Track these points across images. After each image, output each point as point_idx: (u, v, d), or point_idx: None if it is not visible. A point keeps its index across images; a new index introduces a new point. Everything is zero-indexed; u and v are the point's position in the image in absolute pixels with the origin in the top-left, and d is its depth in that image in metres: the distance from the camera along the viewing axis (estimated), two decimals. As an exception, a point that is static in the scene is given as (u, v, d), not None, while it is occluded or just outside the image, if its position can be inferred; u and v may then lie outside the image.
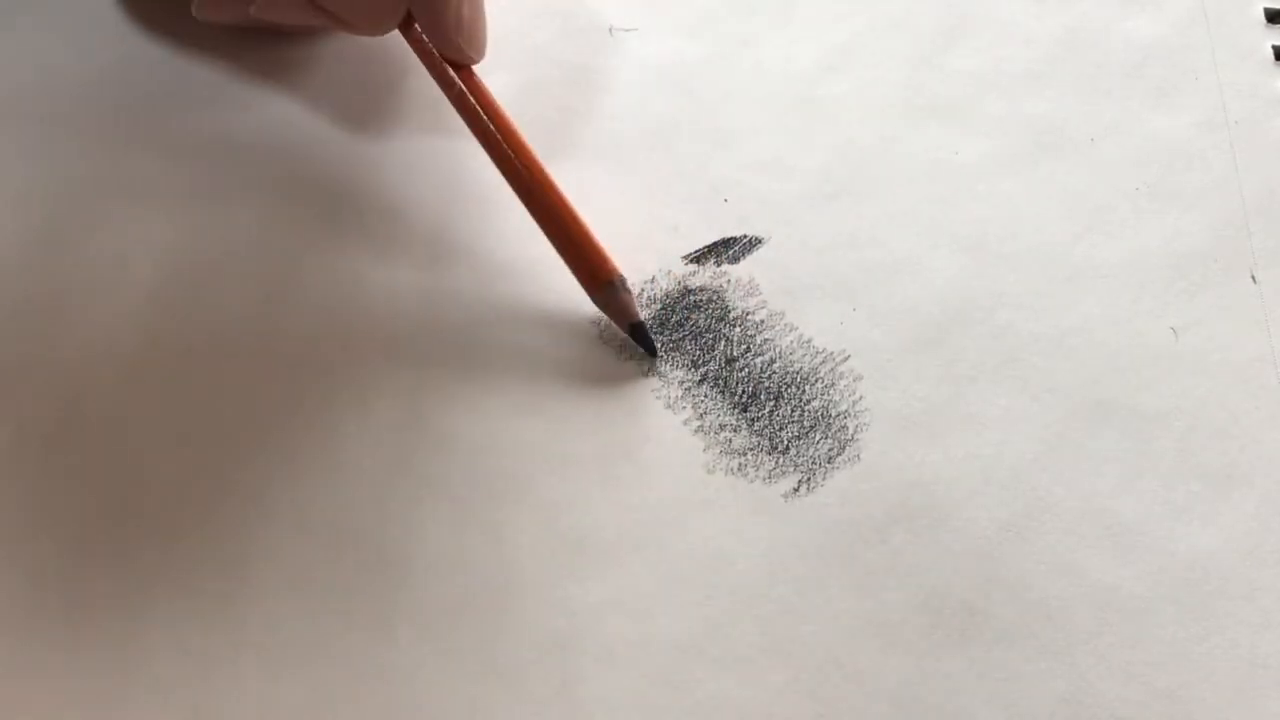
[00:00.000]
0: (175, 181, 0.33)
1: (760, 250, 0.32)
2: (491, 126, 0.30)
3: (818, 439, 0.29)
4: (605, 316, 0.30)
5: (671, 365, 0.30)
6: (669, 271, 0.31)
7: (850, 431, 0.29)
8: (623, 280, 0.30)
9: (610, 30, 0.36)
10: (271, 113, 0.34)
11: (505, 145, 0.30)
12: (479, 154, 0.31)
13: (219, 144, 0.33)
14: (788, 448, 0.29)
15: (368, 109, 0.34)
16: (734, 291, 0.31)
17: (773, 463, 0.29)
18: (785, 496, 0.28)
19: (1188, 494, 0.28)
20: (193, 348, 0.30)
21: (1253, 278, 0.31)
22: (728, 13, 0.36)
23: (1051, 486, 0.28)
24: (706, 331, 0.30)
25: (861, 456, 0.29)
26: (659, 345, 0.30)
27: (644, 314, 0.30)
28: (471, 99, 0.31)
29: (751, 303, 0.31)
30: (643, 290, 0.31)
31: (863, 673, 0.26)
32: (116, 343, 0.30)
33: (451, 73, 0.31)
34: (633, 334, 0.30)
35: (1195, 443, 0.28)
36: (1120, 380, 0.29)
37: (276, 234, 0.32)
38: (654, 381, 0.30)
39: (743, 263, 0.31)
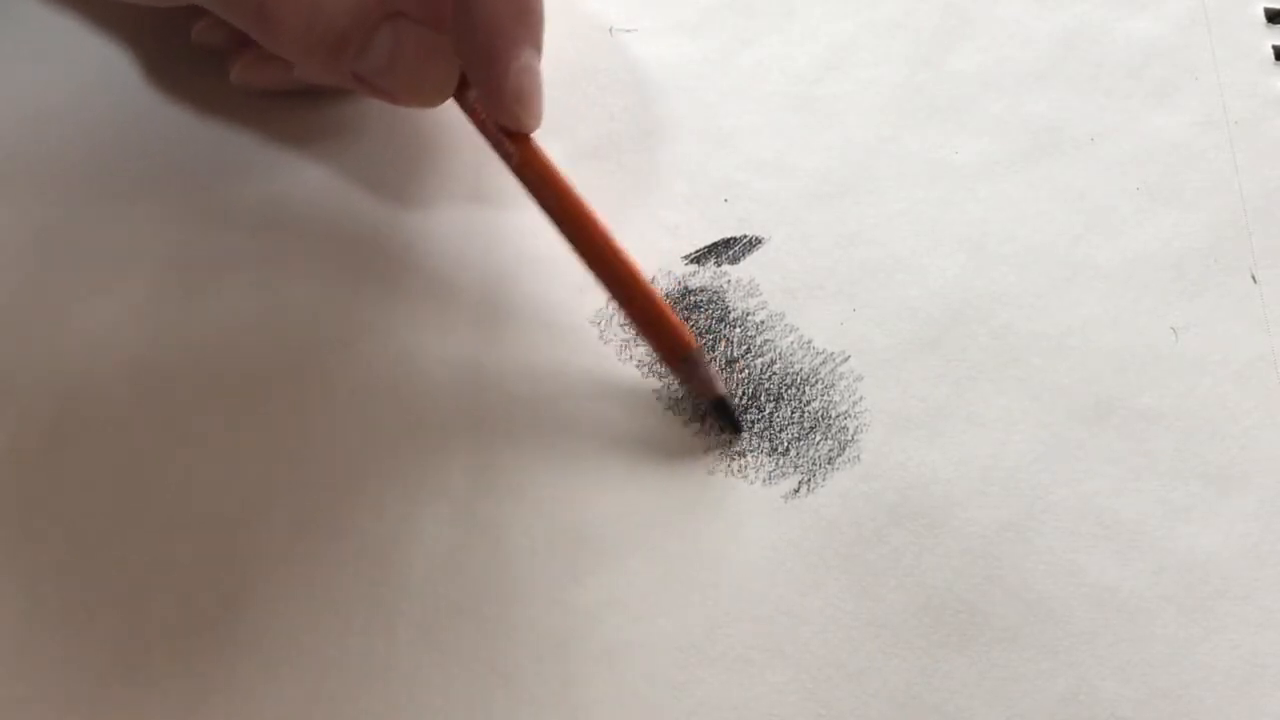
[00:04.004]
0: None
1: (760, 250, 0.32)
2: (555, 197, 0.29)
3: (818, 440, 0.29)
4: (604, 318, 0.30)
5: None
6: (669, 272, 0.31)
7: (850, 432, 0.29)
8: (700, 350, 0.29)
9: (610, 30, 0.36)
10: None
11: (570, 216, 0.29)
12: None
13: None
14: (788, 449, 0.29)
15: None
16: (734, 292, 0.31)
17: (773, 464, 0.29)
18: (785, 498, 0.28)
19: (1188, 494, 0.28)
20: (197, 354, 0.30)
21: (1253, 278, 0.31)
22: (728, 13, 0.36)
23: (1051, 486, 0.28)
24: (707, 332, 0.30)
25: (861, 457, 0.29)
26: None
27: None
28: (531, 169, 0.29)
29: (752, 303, 0.31)
30: (643, 290, 0.31)
31: (863, 673, 0.26)
32: (122, 345, 0.30)
33: (508, 143, 0.29)
34: (715, 409, 0.29)
35: (1195, 443, 0.28)
36: (1120, 380, 0.29)
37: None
38: (654, 383, 0.30)
39: (743, 263, 0.31)
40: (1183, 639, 0.26)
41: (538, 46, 0.29)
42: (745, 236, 0.32)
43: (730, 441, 0.29)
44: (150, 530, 0.28)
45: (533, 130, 0.30)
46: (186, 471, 0.29)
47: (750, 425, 0.29)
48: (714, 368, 0.29)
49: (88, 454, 0.29)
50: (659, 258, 0.32)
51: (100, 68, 0.35)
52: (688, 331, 0.29)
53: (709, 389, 0.29)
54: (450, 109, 0.31)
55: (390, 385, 0.30)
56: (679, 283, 0.31)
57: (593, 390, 0.30)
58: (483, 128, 0.30)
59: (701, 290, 0.31)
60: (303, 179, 0.33)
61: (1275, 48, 0.35)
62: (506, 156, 0.30)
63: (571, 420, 0.29)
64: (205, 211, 0.32)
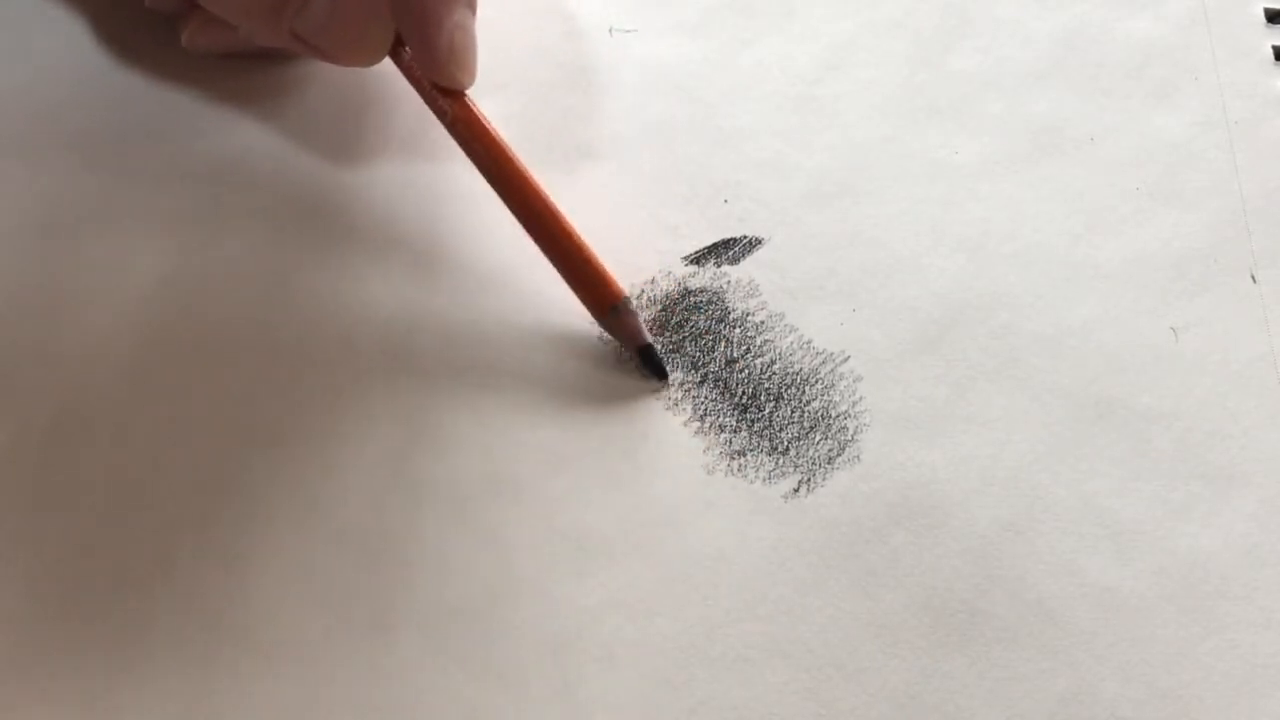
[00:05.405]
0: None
1: (760, 251, 0.32)
2: (487, 153, 0.30)
3: (818, 440, 0.29)
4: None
5: (672, 367, 0.30)
6: (669, 273, 0.31)
7: (850, 432, 0.29)
8: (627, 302, 0.29)
9: (610, 31, 0.36)
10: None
11: (502, 171, 0.30)
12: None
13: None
14: (788, 448, 0.29)
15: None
16: (734, 292, 0.31)
17: (773, 464, 0.29)
18: (785, 497, 0.28)
19: (1188, 494, 0.28)
20: (192, 351, 0.30)
21: (1253, 278, 0.31)
22: (728, 13, 0.36)
23: (1051, 486, 0.28)
24: (706, 333, 0.30)
25: (861, 457, 0.29)
26: (659, 348, 0.30)
27: (643, 315, 0.30)
28: (465, 126, 0.30)
29: (751, 304, 0.31)
30: (643, 291, 0.31)
31: (863, 673, 0.26)
32: (116, 343, 0.30)
33: (442, 100, 0.30)
34: (641, 357, 0.30)
35: (1195, 443, 0.28)
36: (1120, 380, 0.29)
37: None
38: (654, 383, 0.30)
39: (743, 263, 0.31)
40: (1183, 639, 0.26)
41: (471, 5, 0.30)
42: (745, 237, 0.32)
43: (658, 389, 0.29)
44: (151, 528, 0.28)
45: (467, 87, 0.30)
46: (187, 469, 0.29)
47: (750, 424, 0.29)
48: (639, 317, 0.30)
49: (87, 453, 0.29)
50: (659, 258, 0.32)
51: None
52: (614, 283, 0.29)
53: (635, 338, 0.29)
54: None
55: (389, 388, 0.30)
56: (679, 283, 0.31)
57: (592, 391, 0.30)
58: (418, 86, 0.31)
59: (701, 291, 0.31)
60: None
61: (1275, 48, 0.35)
62: (440, 114, 0.30)
63: (572, 421, 0.29)
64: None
